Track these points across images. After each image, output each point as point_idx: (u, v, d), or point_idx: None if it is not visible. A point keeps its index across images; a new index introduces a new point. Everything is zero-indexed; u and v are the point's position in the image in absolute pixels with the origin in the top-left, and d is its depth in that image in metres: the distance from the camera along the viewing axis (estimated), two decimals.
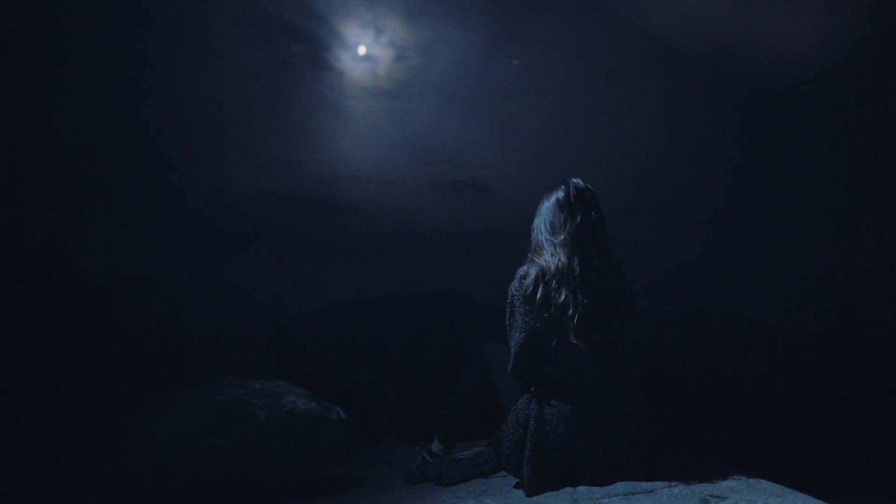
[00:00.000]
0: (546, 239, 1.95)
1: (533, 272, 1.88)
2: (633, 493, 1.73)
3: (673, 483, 1.78)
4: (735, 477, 1.80)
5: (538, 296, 1.85)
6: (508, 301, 1.94)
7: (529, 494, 1.83)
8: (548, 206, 1.99)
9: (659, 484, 1.78)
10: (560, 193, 1.98)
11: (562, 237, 1.91)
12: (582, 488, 1.80)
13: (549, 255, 1.90)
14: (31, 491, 2.26)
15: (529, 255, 1.98)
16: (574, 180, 2.02)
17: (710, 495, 1.67)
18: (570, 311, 1.82)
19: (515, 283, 1.93)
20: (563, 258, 1.87)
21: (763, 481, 1.76)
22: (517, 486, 1.96)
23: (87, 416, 2.69)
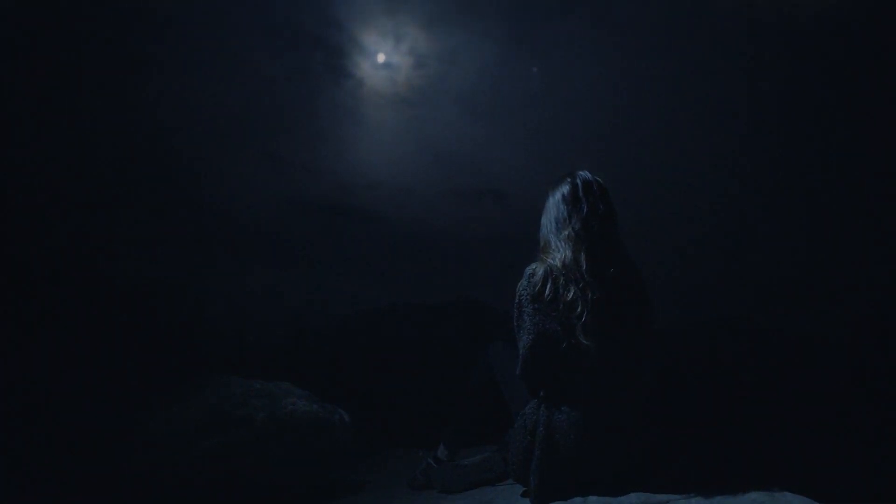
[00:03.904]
0: (552, 235, 1.86)
1: (541, 270, 1.79)
2: None
3: (690, 495, 1.66)
4: (758, 489, 1.68)
5: (546, 293, 1.75)
6: (516, 301, 1.84)
7: (537, 503, 1.74)
8: (553, 201, 1.90)
9: (675, 496, 1.66)
10: (565, 188, 1.89)
11: (566, 232, 1.82)
12: (592, 498, 1.69)
13: (555, 252, 1.81)
14: (31, 491, 2.24)
15: (539, 254, 1.89)
16: (580, 173, 1.92)
17: None
18: (579, 309, 1.72)
19: (523, 281, 1.83)
20: (569, 253, 1.78)
21: (788, 494, 1.64)
22: (524, 494, 1.88)
23: (100, 418, 2.67)
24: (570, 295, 1.73)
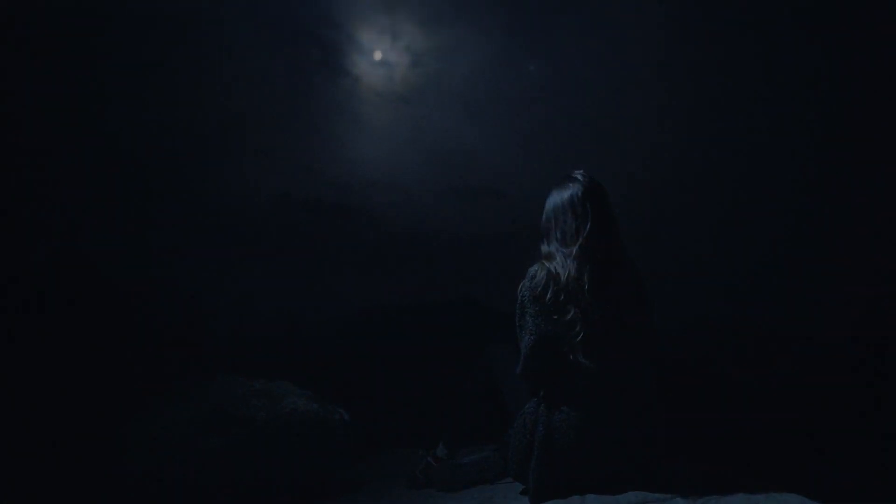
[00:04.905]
0: (556, 249, 1.82)
1: (543, 273, 1.78)
2: (646, 503, 1.64)
3: (688, 493, 1.68)
4: (755, 489, 1.70)
5: (548, 297, 1.75)
6: (518, 301, 1.84)
7: (535, 502, 1.75)
8: (557, 208, 1.86)
9: (673, 495, 1.68)
10: (570, 195, 1.84)
11: (573, 248, 1.78)
12: (591, 497, 1.71)
13: (559, 265, 1.77)
14: (31, 491, 2.24)
15: (541, 258, 1.87)
16: (584, 177, 1.87)
17: None
18: (577, 328, 1.71)
19: (526, 282, 1.83)
20: (573, 271, 1.75)
21: (785, 493, 1.66)
22: (523, 492, 1.89)
23: (97, 417, 2.68)
24: (570, 315, 1.72)
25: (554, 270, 1.77)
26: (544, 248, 1.86)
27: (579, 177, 1.88)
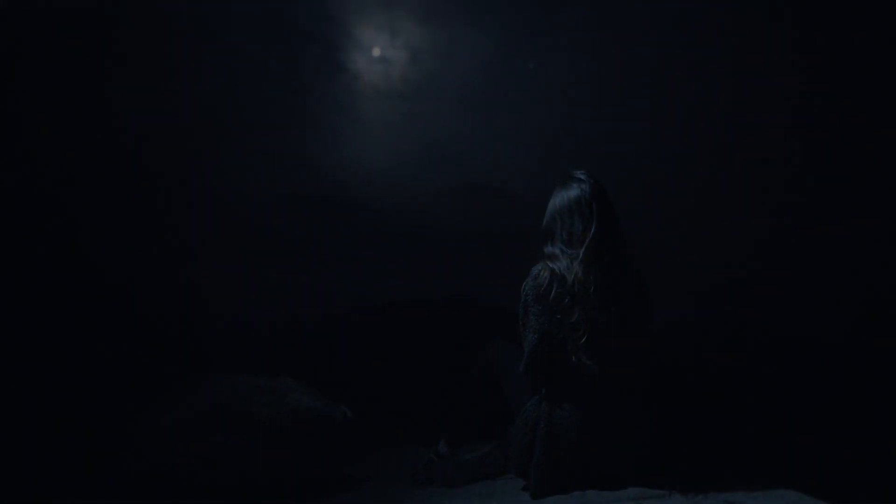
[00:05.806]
0: (561, 251, 1.82)
1: (546, 273, 1.79)
2: (645, 499, 1.66)
3: (687, 489, 1.70)
4: (753, 484, 1.73)
5: (552, 296, 1.76)
6: (522, 300, 1.85)
7: (537, 497, 1.77)
8: (561, 209, 1.86)
9: (672, 491, 1.70)
10: (576, 196, 1.84)
11: (579, 251, 1.78)
12: (591, 493, 1.73)
13: (564, 267, 1.78)
14: (30, 491, 2.25)
15: (544, 258, 1.88)
16: (589, 178, 1.88)
17: (727, 502, 1.59)
18: (581, 332, 1.73)
19: (529, 281, 1.84)
20: (580, 274, 1.76)
21: (783, 490, 1.68)
22: (524, 488, 1.91)
23: (97, 414, 2.68)
24: (575, 317, 1.74)
25: (558, 271, 1.77)
26: (548, 248, 1.87)
27: (583, 177, 1.89)
